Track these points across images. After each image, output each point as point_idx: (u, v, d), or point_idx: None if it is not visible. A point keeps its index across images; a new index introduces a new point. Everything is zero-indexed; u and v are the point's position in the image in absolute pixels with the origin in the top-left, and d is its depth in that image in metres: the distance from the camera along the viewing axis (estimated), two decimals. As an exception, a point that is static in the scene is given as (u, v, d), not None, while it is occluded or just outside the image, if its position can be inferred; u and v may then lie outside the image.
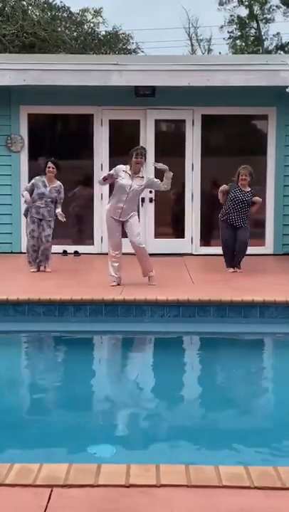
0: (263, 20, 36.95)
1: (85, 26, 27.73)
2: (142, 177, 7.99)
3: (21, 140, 10.92)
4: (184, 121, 11.01)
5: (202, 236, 11.09)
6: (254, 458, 3.79)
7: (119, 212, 7.89)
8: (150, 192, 10.66)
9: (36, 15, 24.93)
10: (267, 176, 10.91)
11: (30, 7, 25.40)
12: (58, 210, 8.97)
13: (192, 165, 10.93)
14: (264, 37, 36.78)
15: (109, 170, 10.85)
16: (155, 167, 8.50)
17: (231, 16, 37.26)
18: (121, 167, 8.02)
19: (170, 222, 11.47)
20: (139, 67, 10.64)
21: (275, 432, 4.35)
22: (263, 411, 4.87)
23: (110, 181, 8.23)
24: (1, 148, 10.91)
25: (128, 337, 6.89)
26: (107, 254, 10.81)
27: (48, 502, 2.71)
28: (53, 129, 11.86)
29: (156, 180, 8.15)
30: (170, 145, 11.23)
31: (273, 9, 36.63)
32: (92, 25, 27.84)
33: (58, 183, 9.08)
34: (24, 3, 24.87)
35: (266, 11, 36.86)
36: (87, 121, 11.07)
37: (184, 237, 11.08)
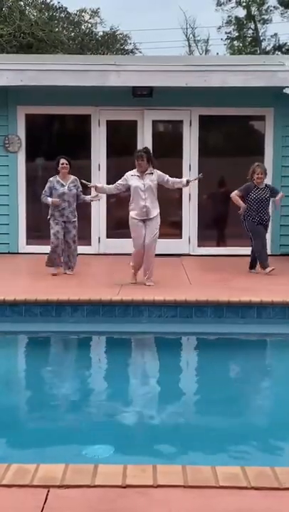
0: (261, 21, 36.98)
1: (83, 27, 27.74)
2: (152, 173, 8.21)
3: (19, 140, 10.91)
4: (181, 121, 11.01)
5: (200, 236, 11.08)
6: (251, 458, 3.80)
7: (145, 211, 8.15)
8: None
9: (34, 15, 24.94)
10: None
11: (27, 7, 25.39)
12: (88, 197, 9.05)
13: (189, 165, 10.92)
14: (262, 38, 36.82)
15: (107, 170, 10.95)
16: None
17: (229, 16, 37.32)
18: (129, 173, 8.32)
19: (167, 223, 11.45)
20: (136, 67, 10.64)
21: (272, 432, 4.35)
22: (259, 411, 4.87)
23: (124, 189, 8.42)
24: (-2, 149, 10.90)
25: (125, 337, 6.88)
26: (104, 254, 10.86)
27: (44, 502, 2.71)
28: (51, 130, 11.85)
29: (164, 175, 8.29)
30: (167, 145, 11.22)
31: (271, 10, 36.69)
32: (89, 25, 27.87)
33: (73, 177, 8.93)
34: (21, 3, 24.86)
35: (264, 11, 36.90)
36: (85, 121, 11.06)
37: (181, 238, 11.07)
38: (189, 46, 38.98)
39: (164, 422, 4.52)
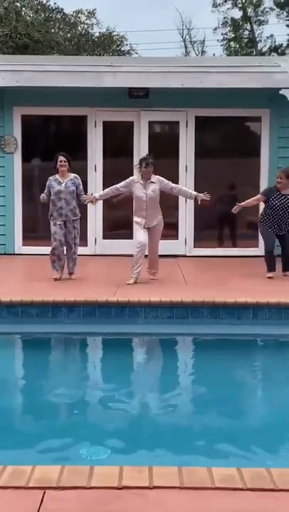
0: (257, 22, 37.04)
1: (79, 28, 27.75)
2: (154, 182, 8.33)
3: (15, 141, 10.91)
4: (177, 122, 11.02)
5: (196, 237, 11.09)
6: (247, 459, 3.80)
7: (144, 221, 8.36)
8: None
9: (30, 16, 24.94)
10: (260, 177, 10.93)
11: (23, 8, 25.40)
12: (82, 197, 8.58)
13: (186, 166, 10.93)
14: (258, 39, 36.89)
15: (103, 171, 10.95)
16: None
17: (225, 17, 37.37)
18: (133, 179, 8.39)
19: (164, 224, 11.44)
20: (132, 68, 10.65)
21: (267, 433, 4.36)
22: (255, 412, 4.87)
23: (126, 192, 8.58)
24: (-6, 150, 10.89)
25: (121, 339, 6.88)
26: (100, 255, 10.85)
27: (40, 504, 2.70)
28: (47, 131, 11.85)
29: (168, 183, 8.39)
30: (164, 146, 11.23)
31: (267, 11, 36.76)
32: (85, 26, 27.86)
33: (73, 175, 8.57)
34: (18, 4, 24.86)
35: (260, 12, 36.97)
36: (81, 122, 11.06)
37: (177, 239, 11.08)
38: (185, 47, 39.03)
39: (160, 423, 4.52)
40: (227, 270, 9.46)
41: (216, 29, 37.63)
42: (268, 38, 36.94)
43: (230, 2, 36.90)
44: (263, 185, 10.87)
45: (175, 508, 2.68)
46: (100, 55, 26.00)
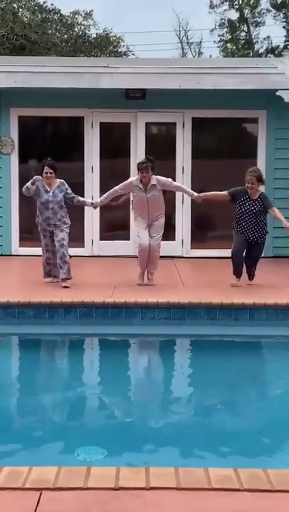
0: (254, 24, 37.11)
1: (76, 29, 27.77)
2: (154, 184, 8.12)
3: (12, 142, 10.90)
4: (174, 123, 11.03)
5: (193, 238, 11.09)
6: (244, 460, 3.80)
7: (146, 221, 8.20)
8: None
9: (27, 17, 24.95)
10: (257, 178, 10.92)
11: (20, 9, 25.40)
12: (83, 199, 8.51)
13: (183, 168, 10.94)
14: (254, 40, 36.94)
15: (100, 172, 10.95)
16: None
17: (222, 19, 37.43)
18: (132, 183, 8.21)
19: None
20: (129, 69, 10.65)
21: (264, 434, 4.36)
22: (252, 413, 4.87)
23: (123, 194, 8.48)
24: (-9, 151, 10.88)
25: (118, 340, 6.88)
26: (97, 256, 10.84)
27: (37, 505, 2.70)
28: (44, 132, 11.84)
29: (168, 182, 8.28)
30: (161, 148, 11.23)
31: (264, 12, 36.83)
32: (82, 27, 27.88)
33: (59, 181, 8.18)
34: (15, 5, 24.86)
35: (257, 14, 37.03)
36: (78, 123, 11.06)
37: (174, 240, 11.08)
38: (182, 48, 39.09)
39: (157, 424, 4.52)
40: (224, 271, 9.46)
41: (212, 30, 37.72)
42: (264, 39, 37.05)
43: (227, 3, 36.98)
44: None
45: (172, 509, 2.68)
46: (96, 56, 26.01)
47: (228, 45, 38.17)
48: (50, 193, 8.08)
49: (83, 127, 10.98)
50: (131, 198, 10.81)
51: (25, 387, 5.48)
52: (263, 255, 10.02)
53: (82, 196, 10.81)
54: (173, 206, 10.98)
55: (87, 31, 27.99)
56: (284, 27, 35.88)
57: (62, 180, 8.25)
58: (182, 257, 10.92)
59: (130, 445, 4.09)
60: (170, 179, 8.42)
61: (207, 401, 5.02)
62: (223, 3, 36.89)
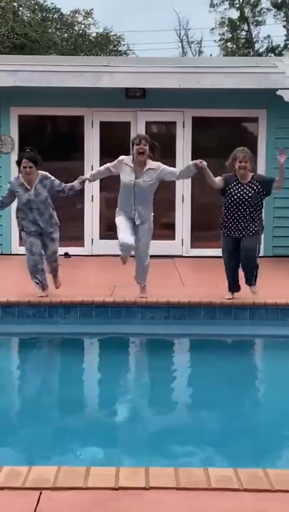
0: (254, 23, 37.09)
1: (76, 28, 27.75)
2: (153, 168, 6.83)
3: (11, 141, 10.89)
4: (174, 123, 11.02)
5: (193, 238, 11.08)
6: (243, 460, 3.80)
7: (133, 216, 6.88)
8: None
9: (27, 16, 24.94)
10: (257, 178, 10.92)
11: (20, 8, 25.39)
12: (76, 183, 7.03)
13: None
14: (255, 39, 36.91)
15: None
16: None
17: (222, 18, 37.40)
18: (122, 159, 6.91)
19: (160, 224, 11.45)
20: (129, 69, 10.64)
21: (264, 434, 4.36)
22: (252, 413, 4.87)
23: (106, 175, 7.12)
24: (-9, 150, 10.86)
25: (118, 339, 6.87)
26: (97, 256, 10.84)
27: (36, 505, 2.70)
28: (44, 131, 11.83)
29: (169, 169, 7.03)
30: (161, 147, 11.17)
31: (264, 12, 36.81)
32: (83, 26, 27.87)
33: (40, 174, 6.96)
34: (15, 4, 24.85)
35: (257, 13, 37.01)
36: (78, 122, 11.05)
37: (174, 239, 11.07)
38: (182, 48, 39.08)
39: (157, 424, 4.52)
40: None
41: (213, 29, 37.71)
42: (265, 38, 37.03)
43: (227, 2, 36.96)
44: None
45: (172, 509, 2.68)
46: (97, 55, 25.99)
47: (229, 44, 38.15)
48: (32, 192, 6.92)
49: (83, 126, 10.97)
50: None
51: (24, 387, 5.49)
52: (263, 254, 9.94)
53: (83, 197, 10.86)
54: (172, 205, 10.98)
55: (87, 30, 27.98)
56: (284, 26, 35.86)
57: (44, 173, 7.01)
58: (182, 257, 10.91)
59: (130, 445, 4.09)
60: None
61: (205, 400, 5.02)
62: (223, 2, 36.87)
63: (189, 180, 10.90)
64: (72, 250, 10.75)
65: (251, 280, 7.12)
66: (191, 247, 11.08)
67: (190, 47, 39.30)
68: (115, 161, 7.02)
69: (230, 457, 3.87)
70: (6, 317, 6.99)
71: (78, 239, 11.05)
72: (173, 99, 10.61)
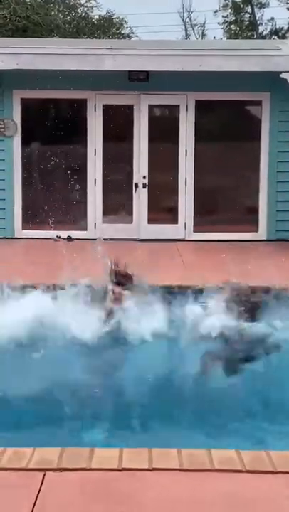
0: (258, 5, 36.73)
1: (79, 10, 27.52)
2: None
3: (14, 125, 10.85)
4: (177, 106, 10.95)
5: (195, 221, 11.06)
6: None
7: None
8: (143, 177, 10.67)
9: (29, -2, 24.68)
10: (260, 161, 10.89)
11: (22, -10, 25.14)
12: None
13: (186, 151, 10.89)
14: (258, 22, 36.59)
15: (102, 155, 10.90)
16: None
17: (226, 0, 37.01)
18: None
19: (163, 208, 11.44)
20: (132, 51, 10.57)
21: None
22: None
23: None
24: (-7, 133, 10.83)
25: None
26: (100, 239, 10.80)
27: (40, 486, 2.73)
28: (47, 114, 11.78)
29: None
30: (164, 130, 11.18)
31: (268, -6, 36.42)
32: (85, 9, 27.63)
33: None
34: (17, -14, 24.61)
35: (261, -5, 36.65)
36: (81, 106, 11.00)
37: (177, 223, 11.06)
38: (186, 30, 38.76)
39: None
40: (227, 254, 9.44)
41: (216, 12, 37.35)
42: (268, 21, 36.63)
43: (230, -16, 36.61)
44: (263, 168, 10.86)
45: (175, 490, 2.71)
46: (99, 38, 25.80)
47: (232, 26, 37.81)
48: None
49: (86, 109, 10.92)
50: (135, 181, 10.84)
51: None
52: (266, 238, 9.79)
53: (86, 180, 10.84)
54: (175, 189, 10.95)
55: (90, 13, 27.74)
56: (288, 9, 35.50)
57: None
58: (184, 240, 10.91)
59: (130, 425, 4.06)
60: None
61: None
62: (226, -17, 36.53)
63: (192, 164, 10.89)
64: (75, 234, 10.75)
65: None
66: (194, 231, 11.06)
67: (193, 29, 39.00)
68: None
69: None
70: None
71: (81, 223, 11.02)
72: (176, 83, 10.54)
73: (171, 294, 6.96)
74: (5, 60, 10.25)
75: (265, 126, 10.91)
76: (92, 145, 10.92)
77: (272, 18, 36.15)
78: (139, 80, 10.53)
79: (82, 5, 27.57)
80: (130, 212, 10.95)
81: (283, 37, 33.02)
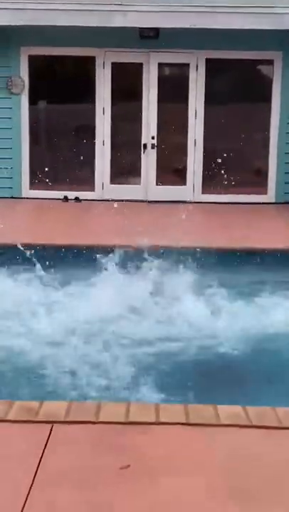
0: None
1: None
2: None
3: (22, 82, 10.71)
4: (187, 65, 10.77)
5: (204, 183, 10.98)
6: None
7: None
8: (152, 138, 10.56)
9: None
10: (271, 122, 10.74)
11: None
12: None
13: (195, 111, 10.74)
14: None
15: (111, 114, 10.77)
16: None
17: None
18: None
19: (172, 169, 11.35)
20: (142, 7, 10.33)
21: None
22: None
23: None
24: (0, 91, 10.69)
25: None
26: (107, 200, 10.76)
27: (48, 437, 2.76)
28: (54, 72, 11.61)
29: None
30: (173, 90, 11.01)
31: None
32: None
33: None
34: None
35: None
36: (90, 63, 10.83)
37: (185, 185, 10.98)
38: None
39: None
40: (234, 216, 9.41)
41: None
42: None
43: None
44: (274, 130, 10.71)
45: (180, 443, 2.73)
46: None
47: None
48: None
49: (95, 67, 10.76)
50: (143, 142, 10.73)
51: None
52: (274, 201, 9.79)
53: (94, 140, 10.73)
54: (184, 150, 10.84)
55: None
56: None
57: None
58: (193, 202, 10.83)
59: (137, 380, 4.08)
60: None
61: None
62: None
63: (202, 124, 10.76)
64: (83, 195, 10.71)
65: None
66: (202, 193, 10.99)
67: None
68: None
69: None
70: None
71: (89, 183, 10.95)
72: (186, 41, 10.34)
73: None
74: (9, 16, 10.01)
75: (276, 86, 10.73)
76: (101, 104, 10.79)
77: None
78: (150, 37, 10.34)
79: None
80: (138, 174, 10.87)
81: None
